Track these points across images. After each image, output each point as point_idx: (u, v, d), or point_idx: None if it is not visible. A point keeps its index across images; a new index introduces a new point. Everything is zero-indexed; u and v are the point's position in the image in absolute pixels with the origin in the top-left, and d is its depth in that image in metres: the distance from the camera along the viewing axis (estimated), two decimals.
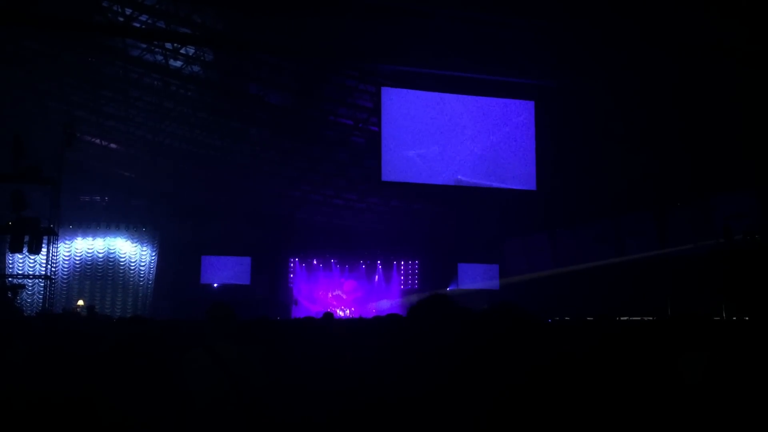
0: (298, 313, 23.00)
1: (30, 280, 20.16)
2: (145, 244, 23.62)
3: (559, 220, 21.40)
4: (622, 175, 16.72)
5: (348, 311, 24.41)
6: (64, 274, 22.20)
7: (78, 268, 22.82)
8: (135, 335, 3.39)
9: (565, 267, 20.61)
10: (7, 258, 20.46)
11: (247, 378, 3.33)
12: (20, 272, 20.53)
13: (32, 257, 19.09)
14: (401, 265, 25.87)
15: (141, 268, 23.52)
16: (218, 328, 3.54)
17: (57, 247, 17.78)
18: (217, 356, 3.35)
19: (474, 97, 16.85)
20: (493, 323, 2.02)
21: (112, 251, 23.29)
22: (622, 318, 10.96)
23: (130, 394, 2.89)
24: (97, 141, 20.37)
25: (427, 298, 2.13)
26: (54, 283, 16.89)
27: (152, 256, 23.65)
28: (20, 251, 15.16)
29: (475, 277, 24.97)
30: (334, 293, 25.03)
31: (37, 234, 14.71)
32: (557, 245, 22.88)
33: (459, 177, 16.88)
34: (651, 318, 11.17)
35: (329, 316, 6.17)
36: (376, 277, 25.59)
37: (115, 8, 14.85)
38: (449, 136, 16.73)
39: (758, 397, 2.20)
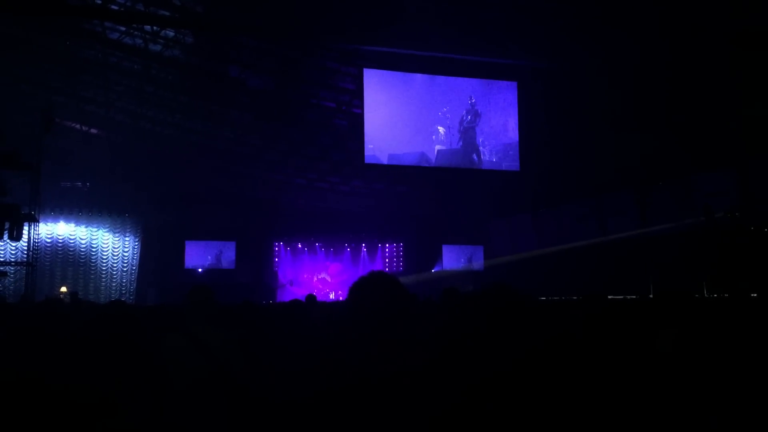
0: (284, 296, 22.97)
1: (12, 267, 19.96)
2: (128, 230, 23.42)
3: (543, 201, 21.51)
4: (603, 155, 16.80)
5: (333, 294, 24.45)
6: (47, 261, 21.94)
7: (60, 254, 22.59)
8: (115, 320, 3.39)
9: (549, 247, 20.74)
10: None
11: (227, 361, 3.33)
12: (1, 259, 20.33)
13: (13, 244, 18.90)
14: (386, 247, 25.91)
15: (124, 253, 23.34)
16: (198, 312, 3.53)
17: (38, 234, 17.62)
18: (197, 340, 3.35)
19: (457, 78, 16.83)
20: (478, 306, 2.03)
21: (95, 237, 23.07)
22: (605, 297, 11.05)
23: (110, 378, 2.89)
24: (77, 126, 20.11)
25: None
26: (35, 269, 16.75)
27: (135, 242, 23.47)
28: (0, 238, 15.02)
29: (459, 258, 25.10)
30: (320, 276, 25.05)
31: (18, 221, 14.57)
32: (541, 225, 23.00)
33: (443, 158, 16.89)
34: (633, 297, 11.33)
35: (312, 299, 6.19)
36: (361, 260, 25.62)
37: None
38: (432, 118, 16.72)
39: (724, 369, 2.24)
